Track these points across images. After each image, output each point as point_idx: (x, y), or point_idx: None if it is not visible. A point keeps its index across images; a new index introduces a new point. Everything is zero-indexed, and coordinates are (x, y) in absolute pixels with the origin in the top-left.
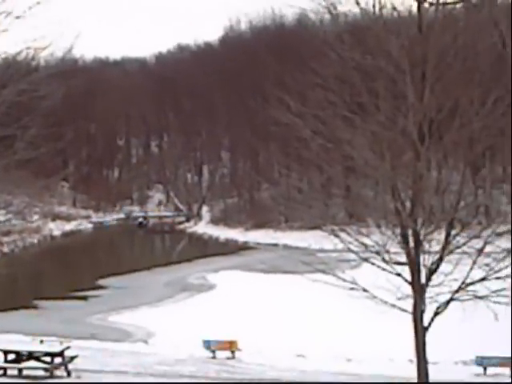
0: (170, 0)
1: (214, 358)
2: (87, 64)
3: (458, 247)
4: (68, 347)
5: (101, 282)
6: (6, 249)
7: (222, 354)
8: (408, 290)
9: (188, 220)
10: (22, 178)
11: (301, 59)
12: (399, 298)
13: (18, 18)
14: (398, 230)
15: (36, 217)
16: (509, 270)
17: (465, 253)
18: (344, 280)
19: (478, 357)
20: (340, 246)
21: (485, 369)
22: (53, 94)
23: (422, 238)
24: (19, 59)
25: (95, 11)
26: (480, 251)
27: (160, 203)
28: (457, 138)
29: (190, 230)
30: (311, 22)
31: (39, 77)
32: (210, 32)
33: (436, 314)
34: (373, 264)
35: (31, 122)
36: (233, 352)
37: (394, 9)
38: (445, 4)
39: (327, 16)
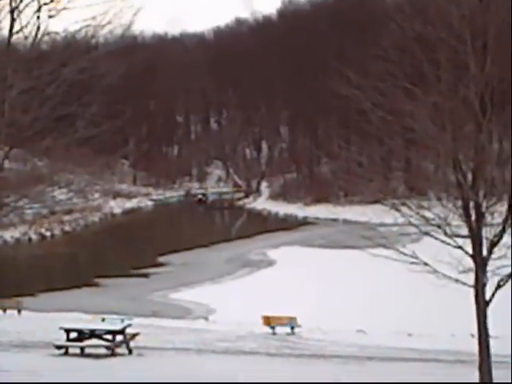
0: None
1: (274, 334)
2: (146, 41)
3: None
4: (129, 325)
5: (161, 259)
6: (67, 227)
7: (282, 330)
8: (470, 263)
9: (247, 196)
10: (83, 157)
11: (361, 31)
12: (461, 272)
13: None
14: (460, 203)
15: (97, 195)
16: None
17: None
18: (405, 254)
19: None
20: (400, 219)
21: None
22: (113, 71)
23: (484, 210)
24: (79, 37)
25: None
26: None
27: (219, 180)
28: None
29: (249, 205)
30: None
31: (99, 55)
32: (268, 5)
33: (498, 287)
34: (434, 237)
35: (92, 100)
36: (292, 328)
37: None
38: None
39: None
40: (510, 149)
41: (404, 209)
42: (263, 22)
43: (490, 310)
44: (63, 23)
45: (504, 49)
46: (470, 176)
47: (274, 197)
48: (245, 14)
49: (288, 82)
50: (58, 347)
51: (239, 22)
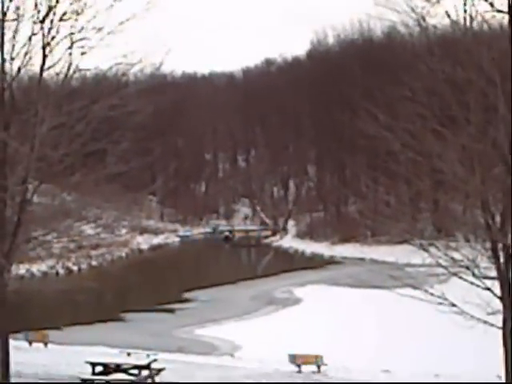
0: (257, 14)
1: (299, 372)
2: (176, 79)
3: None
4: (155, 360)
5: (187, 295)
6: (94, 262)
7: (308, 369)
8: (498, 304)
9: (274, 234)
10: (112, 192)
11: (390, 72)
12: (489, 313)
13: (109, 33)
14: (488, 245)
15: (124, 230)
16: None
17: None
18: (432, 295)
19: None
20: (428, 260)
21: None
22: (142, 109)
23: None
24: (110, 75)
25: (184, 26)
26: None
27: (246, 217)
28: None
29: (275, 243)
30: (400, 35)
31: (129, 92)
32: (297, 46)
33: None
34: (462, 278)
35: (121, 137)
36: (318, 366)
37: (485, 21)
38: None
39: (417, 28)
40: None
41: (432, 249)
42: (292, 62)
43: None
44: (94, 61)
45: None
46: (498, 218)
47: (300, 235)
48: (274, 55)
49: (316, 122)
50: (84, 381)
51: (269, 62)
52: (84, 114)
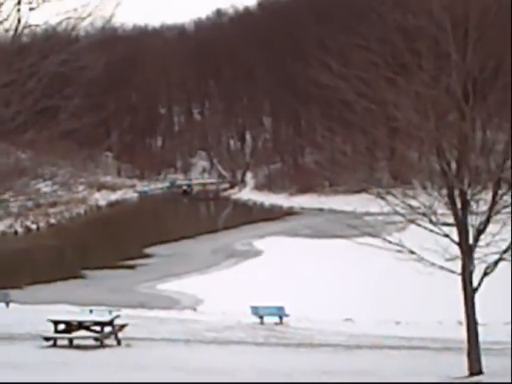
0: None
1: (261, 323)
2: (127, 32)
3: (506, 207)
4: (117, 316)
5: (148, 250)
6: (53, 220)
7: (270, 320)
8: (456, 251)
9: (232, 187)
10: (67, 149)
11: (341, 21)
12: (447, 260)
13: None
14: (445, 191)
15: (81, 187)
16: None
17: None
18: (391, 242)
19: None
20: (386, 208)
21: None
22: (94, 64)
23: (469, 198)
24: (60, 30)
25: None
26: None
27: (204, 170)
28: (501, 96)
29: (234, 196)
30: None
31: (80, 47)
32: None
33: (485, 274)
34: (420, 226)
35: (74, 93)
36: (280, 318)
37: None
38: None
39: None
40: (492, 137)
41: (389, 197)
42: (243, 13)
43: (477, 297)
44: (44, 16)
45: (485, 37)
46: (454, 164)
47: (259, 187)
48: (225, 6)
49: (269, 72)
50: (47, 339)
51: (220, 13)
52: (35, 70)
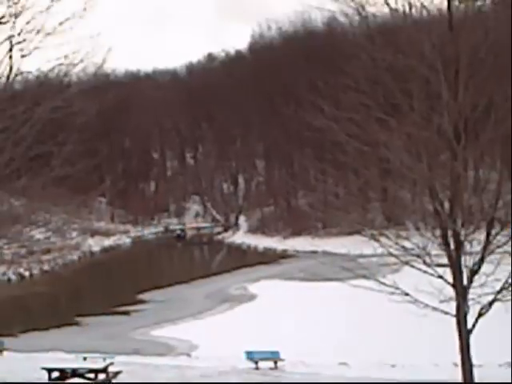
0: (198, 10)
1: (257, 369)
2: (119, 78)
3: (499, 247)
4: (111, 363)
5: (142, 296)
6: (46, 267)
7: (265, 365)
8: (450, 292)
9: (226, 230)
10: (60, 196)
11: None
12: (442, 301)
13: (48, 34)
14: (438, 232)
15: (75, 233)
16: None
17: (506, 252)
18: (385, 285)
19: None
20: (380, 250)
21: None
22: (87, 109)
23: (462, 238)
24: (52, 76)
25: (125, 25)
26: None
27: (197, 215)
28: (493, 135)
29: (228, 240)
30: (341, 25)
31: (72, 93)
32: (238, 40)
33: (479, 315)
34: (414, 267)
35: (66, 139)
36: (275, 362)
37: (424, 7)
38: (475, 0)
39: (357, 17)
40: (485, 176)
41: (383, 239)
42: (235, 57)
43: (472, 339)
44: (36, 62)
45: (476, 75)
46: (447, 204)
47: (252, 230)
48: (216, 50)
49: (261, 116)
50: None
51: (211, 57)
52: (28, 116)
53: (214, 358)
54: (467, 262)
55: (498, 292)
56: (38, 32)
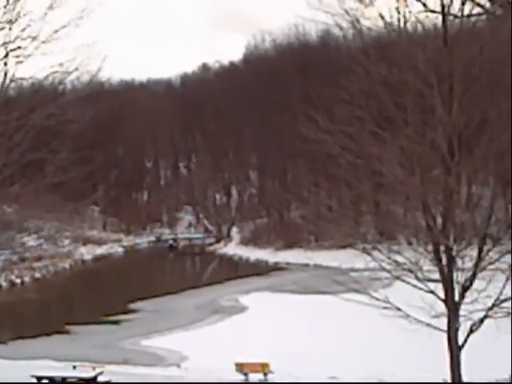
0: (193, 20)
1: (246, 380)
2: (114, 87)
3: (491, 263)
4: (101, 372)
5: (132, 305)
6: (37, 274)
7: (255, 377)
8: (442, 307)
9: (218, 241)
10: (53, 203)
11: (326, 75)
12: (433, 316)
13: (43, 42)
14: (430, 247)
15: (67, 241)
16: None
17: (498, 269)
18: (377, 299)
19: None
20: (372, 264)
21: None
22: (81, 117)
23: (454, 254)
24: (46, 84)
25: (120, 34)
26: None
27: (190, 225)
28: (486, 151)
29: (220, 251)
30: (335, 38)
31: (67, 101)
32: (233, 51)
33: (470, 331)
34: (405, 282)
35: (60, 146)
36: (265, 374)
37: (419, 22)
38: (469, 16)
39: (351, 31)
40: (478, 192)
41: (375, 253)
42: (229, 68)
43: (462, 354)
44: (31, 70)
45: (470, 91)
46: (439, 220)
47: (244, 242)
48: (211, 61)
49: (255, 127)
50: None
51: (206, 67)
52: (22, 123)
53: (204, 369)
54: (459, 277)
55: (489, 308)
56: (34, 39)
